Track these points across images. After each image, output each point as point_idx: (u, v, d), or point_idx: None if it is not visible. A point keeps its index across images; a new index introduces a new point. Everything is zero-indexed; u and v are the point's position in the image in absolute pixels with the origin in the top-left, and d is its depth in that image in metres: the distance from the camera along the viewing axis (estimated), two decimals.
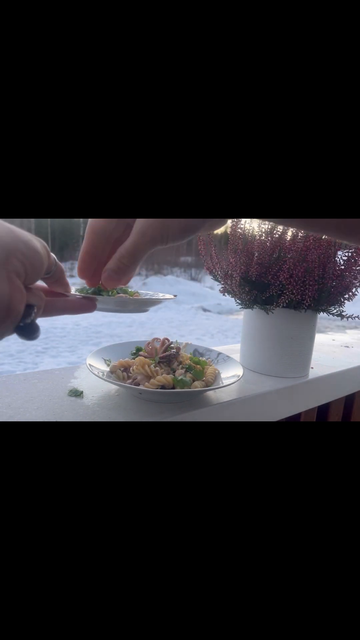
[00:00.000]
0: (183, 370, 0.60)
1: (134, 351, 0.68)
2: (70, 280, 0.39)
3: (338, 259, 0.67)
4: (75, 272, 0.40)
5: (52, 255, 0.35)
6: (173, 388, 0.56)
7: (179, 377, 0.57)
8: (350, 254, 0.67)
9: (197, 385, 0.57)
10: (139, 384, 0.56)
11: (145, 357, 0.63)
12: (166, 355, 0.62)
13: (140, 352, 0.66)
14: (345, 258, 0.67)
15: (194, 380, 0.58)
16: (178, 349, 0.64)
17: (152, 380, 0.55)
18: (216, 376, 0.63)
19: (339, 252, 0.67)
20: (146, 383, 0.56)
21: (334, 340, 1.06)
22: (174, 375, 0.58)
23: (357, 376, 0.85)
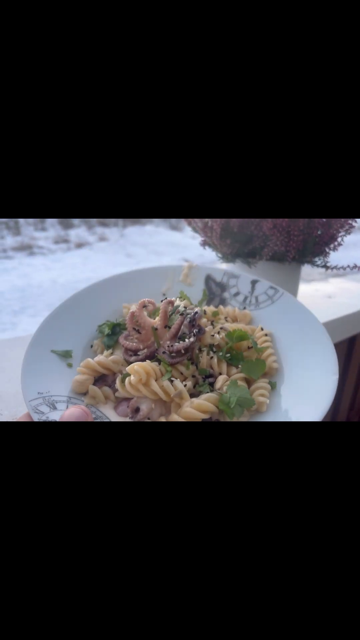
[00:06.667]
0: (213, 358, 0.34)
1: (107, 330, 0.40)
2: None
3: None
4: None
5: None
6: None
7: (228, 400, 0.32)
8: None
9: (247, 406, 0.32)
10: (148, 418, 0.32)
11: (135, 348, 0.36)
12: (184, 347, 0.34)
13: (122, 333, 0.39)
14: None
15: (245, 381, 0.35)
16: (196, 313, 0.36)
17: (185, 409, 0.31)
18: (278, 375, 0.35)
19: None
20: (174, 415, 0.31)
21: (317, 290, 1.05)
22: (197, 368, 0.34)
23: (338, 327, 0.85)
